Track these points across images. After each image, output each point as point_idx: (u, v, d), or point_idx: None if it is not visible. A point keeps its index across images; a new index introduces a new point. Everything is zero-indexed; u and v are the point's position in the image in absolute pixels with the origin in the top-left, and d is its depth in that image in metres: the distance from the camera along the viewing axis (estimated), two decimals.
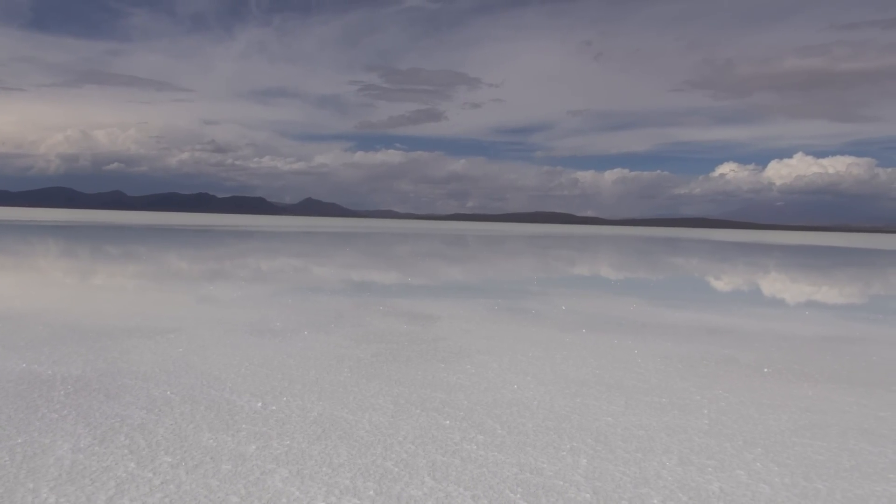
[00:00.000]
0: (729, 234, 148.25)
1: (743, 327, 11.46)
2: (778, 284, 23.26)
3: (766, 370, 7.97)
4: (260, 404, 5.86)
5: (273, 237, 48.71)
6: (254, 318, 10.65)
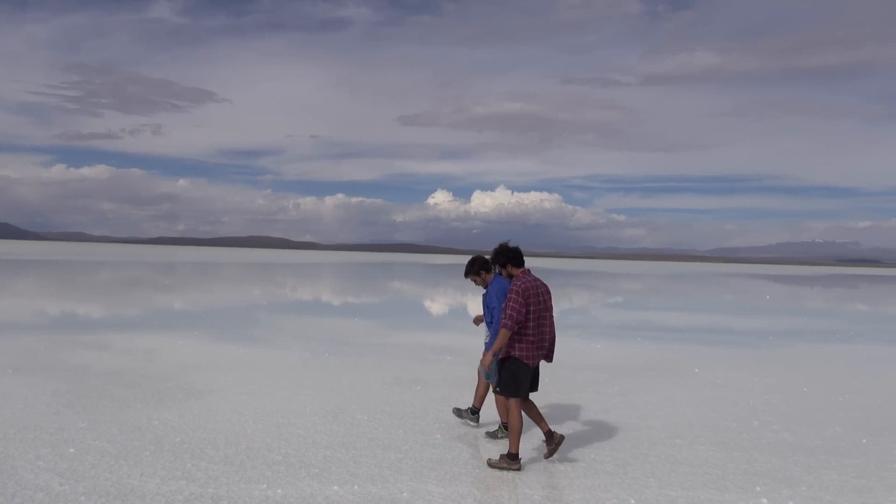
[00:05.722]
0: (425, 258, 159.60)
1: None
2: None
3: None
4: None
5: None
6: None
